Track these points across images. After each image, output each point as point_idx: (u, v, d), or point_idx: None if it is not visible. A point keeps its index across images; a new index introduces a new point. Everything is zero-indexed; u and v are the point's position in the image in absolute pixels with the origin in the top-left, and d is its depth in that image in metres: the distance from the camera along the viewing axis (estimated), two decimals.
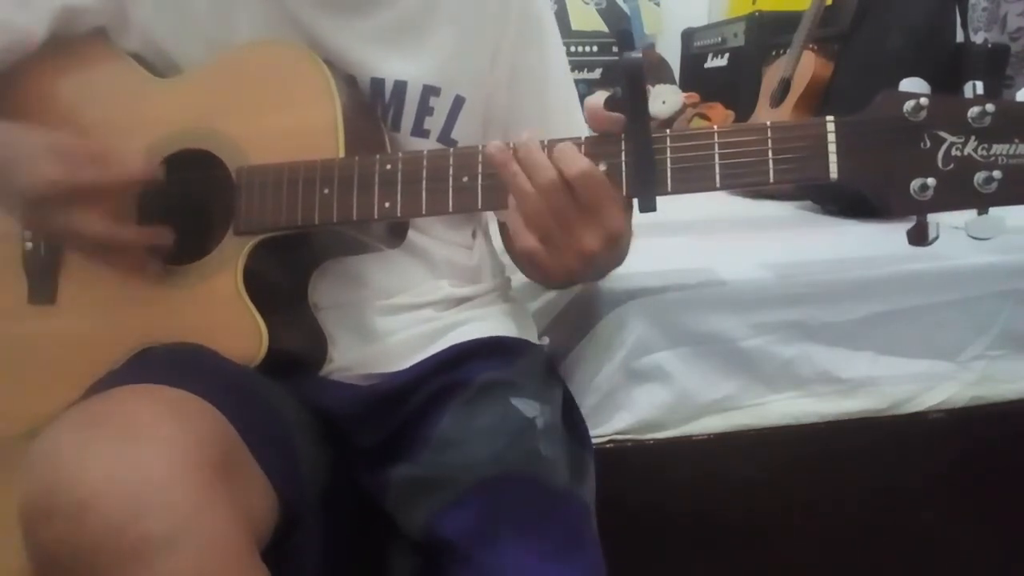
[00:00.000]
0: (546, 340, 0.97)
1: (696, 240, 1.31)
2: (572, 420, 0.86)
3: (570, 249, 0.67)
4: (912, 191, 0.61)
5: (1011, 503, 1.17)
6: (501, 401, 0.79)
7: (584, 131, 0.87)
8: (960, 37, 1.53)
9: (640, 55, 0.63)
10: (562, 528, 0.73)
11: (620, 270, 1.09)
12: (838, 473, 1.12)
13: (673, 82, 2.44)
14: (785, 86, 1.83)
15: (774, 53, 2.06)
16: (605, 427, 1.06)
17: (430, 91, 0.83)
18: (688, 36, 2.66)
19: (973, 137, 0.60)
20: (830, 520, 1.13)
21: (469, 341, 0.84)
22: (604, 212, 0.66)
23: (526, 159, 0.66)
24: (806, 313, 1.10)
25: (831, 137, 0.62)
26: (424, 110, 0.83)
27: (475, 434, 0.77)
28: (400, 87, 0.82)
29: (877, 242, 1.21)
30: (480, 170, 0.69)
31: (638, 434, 1.07)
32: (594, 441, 1.04)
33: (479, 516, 0.72)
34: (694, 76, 2.54)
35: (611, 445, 1.06)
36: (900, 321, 1.12)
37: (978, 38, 1.70)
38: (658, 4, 2.80)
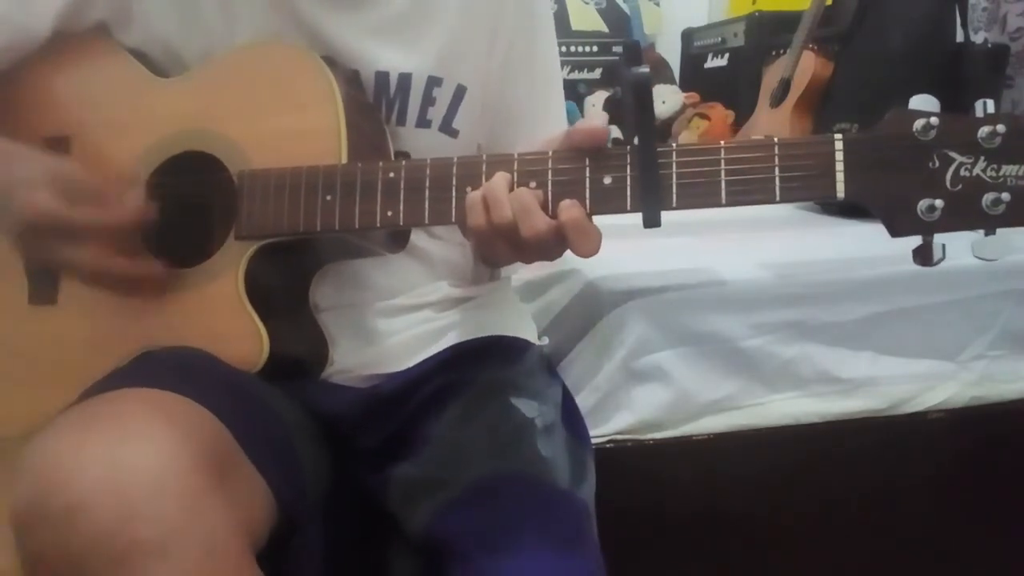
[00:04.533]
0: (545, 340, 0.97)
1: (696, 240, 1.31)
2: (571, 419, 0.86)
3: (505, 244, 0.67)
4: (919, 212, 0.60)
5: (1011, 503, 1.17)
6: (501, 401, 0.79)
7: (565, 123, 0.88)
8: (960, 37, 1.53)
9: (648, 70, 0.63)
10: (562, 529, 0.73)
11: (620, 270, 1.10)
12: (838, 473, 1.12)
13: (673, 82, 2.44)
14: (785, 86, 1.83)
15: (774, 53, 2.06)
16: (605, 427, 1.06)
17: (433, 82, 0.83)
18: (688, 36, 2.66)
19: (983, 157, 0.59)
20: (830, 519, 1.13)
21: (469, 341, 0.84)
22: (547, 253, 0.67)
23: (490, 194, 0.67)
24: (806, 313, 1.10)
25: (839, 156, 0.61)
26: (427, 101, 0.83)
27: (475, 434, 0.77)
28: (405, 80, 0.82)
29: (877, 242, 1.20)
30: (484, 180, 0.69)
31: (638, 434, 1.07)
32: (594, 441, 1.04)
33: (479, 517, 0.72)
34: (694, 76, 2.54)
35: (611, 445, 1.06)
36: (900, 321, 1.13)
37: (978, 38, 1.69)
38: (658, 4, 2.79)
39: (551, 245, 0.66)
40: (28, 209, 0.70)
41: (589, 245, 0.64)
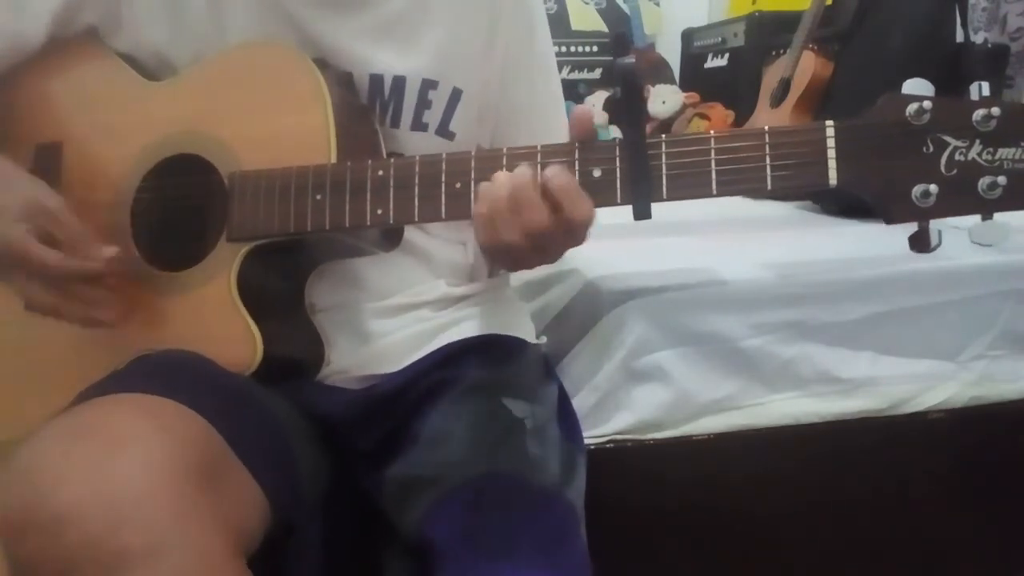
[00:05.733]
0: (543, 339, 0.97)
1: (696, 240, 1.31)
2: (565, 420, 0.86)
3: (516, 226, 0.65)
4: (914, 198, 0.59)
5: (1011, 503, 1.17)
6: (491, 400, 0.79)
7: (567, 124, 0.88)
8: (960, 37, 1.53)
9: (633, 60, 0.63)
10: (547, 530, 0.72)
11: (620, 270, 1.09)
12: (838, 473, 1.12)
13: (673, 82, 2.44)
14: (785, 86, 1.83)
15: (774, 53, 2.06)
16: (605, 427, 1.06)
17: (428, 85, 0.83)
18: (688, 36, 2.65)
19: (978, 141, 0.58)
20: (829, 519, 1.13)
21: (464, 340, 0.84)
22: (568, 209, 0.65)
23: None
24: (806, 313, 1.10)
25: (831, 142, 0.60)
26: (423, 104, 0.83)
27: (463, 432, 0.77)
28: (399, 82, 0.82)
29: (877, 242, 1.21)
30: (473, 176, 0.68)
31: (638, 434, 1.07)
32: (594, 441, 1.05)
33: (464, 517, 0.72)
34: (694, 76, 2.54)
35: (611, 445, 1.06)
36: (900, 321, 1.12)
37: (978, 38, 1.69)
38: (658, 4, 2.79)
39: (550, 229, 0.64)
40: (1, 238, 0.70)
41: (583, 207, 0.64)
